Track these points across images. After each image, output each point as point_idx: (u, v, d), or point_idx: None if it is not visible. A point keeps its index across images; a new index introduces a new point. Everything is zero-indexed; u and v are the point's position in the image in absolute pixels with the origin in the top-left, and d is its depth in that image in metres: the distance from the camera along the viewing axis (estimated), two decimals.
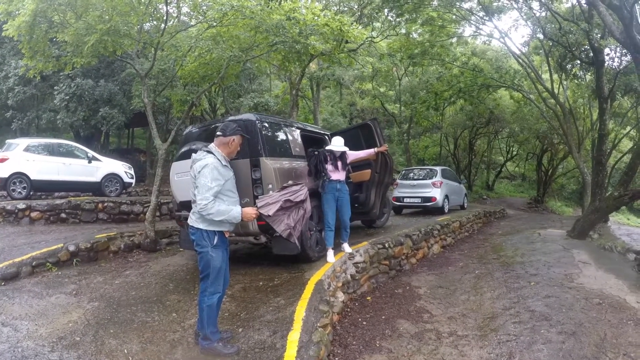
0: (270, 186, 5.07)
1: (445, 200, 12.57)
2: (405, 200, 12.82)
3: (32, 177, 10.69)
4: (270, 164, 5.19)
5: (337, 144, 5.89)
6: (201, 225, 3.46)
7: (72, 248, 6.68)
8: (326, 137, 7.26)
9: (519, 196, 29.13)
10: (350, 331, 4.56)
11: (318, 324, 3.86)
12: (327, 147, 5.96)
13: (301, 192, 3.91)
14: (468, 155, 27.90)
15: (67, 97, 15.33)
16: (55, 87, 15.68)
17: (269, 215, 3.62)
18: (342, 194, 5.79)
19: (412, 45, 18.09)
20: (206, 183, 3.37)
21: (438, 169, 13.30)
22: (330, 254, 5.66)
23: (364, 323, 4.80)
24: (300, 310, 4.05)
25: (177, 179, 5.74)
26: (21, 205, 9.08)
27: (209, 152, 3.53)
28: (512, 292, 5.49)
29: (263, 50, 8.77)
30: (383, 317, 5.00)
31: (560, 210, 26.61)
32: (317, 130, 7.45)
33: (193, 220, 3.51)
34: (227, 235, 3.62)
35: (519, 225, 13.06)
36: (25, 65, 8.74)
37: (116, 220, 10.08)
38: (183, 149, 5.75)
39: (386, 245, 6.75)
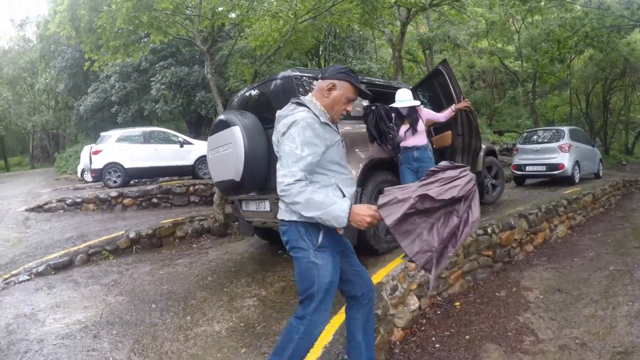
0: None
1: (576, 167, 10.09)
2: (527, 168, 10.61)
3: (125, 166, 11.06)
4: None
5: (401, 98, 4.44)
6: (294, 217, 2.10)
7: (132, 235, 6.39)
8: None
9: None
10: (412, 358, 3.19)
11: None
12: (390, 105, 4.57)
13: (459, 182, 2.03)
14: (603, 114, 23.59)
15: (164, 87, 15.80)
16: (152, 79, 16.24)
17: (393, 226, 2.01)
18: (423, 164, 4.44)
19: None
20: (293, 150, 2.04)
21: (565, 129, 10.81)
22: None
23: (437, 346, 3.35)
24: (329, 332, 2.82)
25: (211, 156, 4.83)
26: (113, 193, 9.33)
27: (300, 104, 2.21)
28: None
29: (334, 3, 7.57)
30: (467, 336, 3.48)
31: None
32: (390, 85, 5.92)
33: (282, 211, 2.18)
34: (340, 233, 2.14)
35: None
36: (89, 60, 8.59)
37: (208, 202, 9.82)
38: (215, 121, 4.81)
39: (489, 230, 5.00)
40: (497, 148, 18.89)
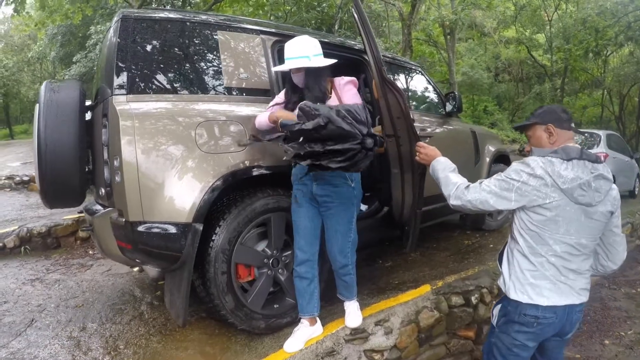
0: (116, 162, 2.28)
1: None
2: None
3: None
4: (126, 110, 2.30)
5: (294, 52, 2.39)
6: None
7: (23, 232, 5.13)
8: (364, 59, 3.50)
9: None
10: None
11: None
12: (276, 67, 2.77)
13: None
14: (637, 120, 21.30)
15: None
16: None
17: None
18: (328, 191, 2.45)
19: None
20: None
21: (602, 134, 9.06)
22: (300, 333, 2.49)
23: None
24: None
25: None
26: None
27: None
28: None
29: None
30: None
31: None
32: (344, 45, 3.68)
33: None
34: None
35: None
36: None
37: None
38: None
39: (473, 299, 3.19)
40: (516, 148, 17.06)
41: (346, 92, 2.43)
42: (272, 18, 12.91)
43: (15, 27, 8.36)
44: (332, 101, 2.42)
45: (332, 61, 2.44)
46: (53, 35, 19.31)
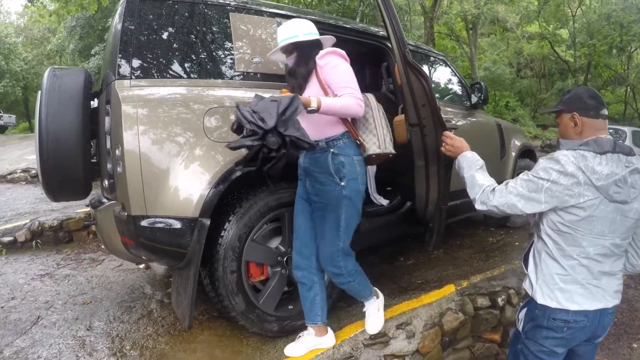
0: (118, 152, 2.10)
1: None
2: None
3: None
4: (129, 95, 2.10)
5: (283, 34, 2.13)
6: None
7: (34, 226, 5.05)
8: (387, 46, 3.21)
9: None
10: None
11: None
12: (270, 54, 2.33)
13: None
14: None
15: None
16: None
17: None
18: (314, 187, 2.16)
19: None
20: None
21: (627, 130, 8.80)
22: (304, 340, 2.31)
23: None
24: None
25: None
26: None
27: None
28: None
29: None
30: None
31: None
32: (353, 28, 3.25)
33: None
34: None
35: None
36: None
37: None
38: None
39: (500, 300, 3.04)
40: (538, 144, 16.59)
41: (323, 67, 2.08)
42: None
43: (30, 18, 8.24)
44: (311, 81, 2.14)
45: (314, 35, 2.16)
46: (72, 28, 19.43)
